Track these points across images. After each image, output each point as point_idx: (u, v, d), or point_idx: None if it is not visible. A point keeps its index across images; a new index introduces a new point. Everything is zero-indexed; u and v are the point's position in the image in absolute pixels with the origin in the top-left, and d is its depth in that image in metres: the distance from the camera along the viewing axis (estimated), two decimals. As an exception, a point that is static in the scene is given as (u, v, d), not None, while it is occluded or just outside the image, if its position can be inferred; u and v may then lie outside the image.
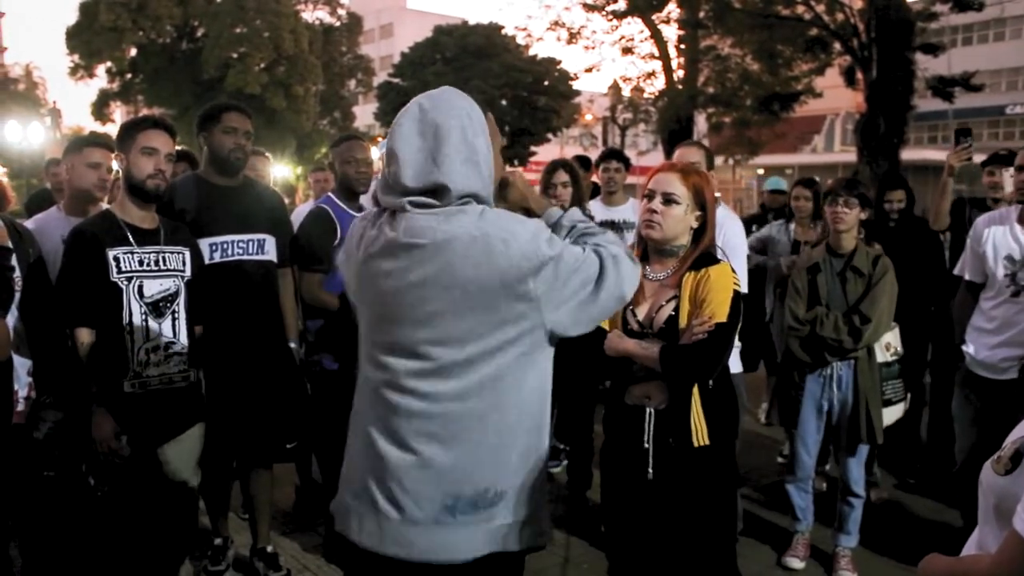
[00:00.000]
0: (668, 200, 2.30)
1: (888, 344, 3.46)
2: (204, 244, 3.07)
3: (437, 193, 1.60)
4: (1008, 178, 3.76)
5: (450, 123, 1.60)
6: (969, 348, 3.36)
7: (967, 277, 3.43)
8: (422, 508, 1.60)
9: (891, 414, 3.46)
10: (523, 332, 1.59)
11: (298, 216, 3.80)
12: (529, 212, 1.78)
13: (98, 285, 2.60)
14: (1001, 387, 3.21)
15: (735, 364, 3.20)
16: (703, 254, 2.34)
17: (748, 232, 4.59)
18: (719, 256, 2.39)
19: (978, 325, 3.35)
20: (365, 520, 1.65)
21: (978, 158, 4.51)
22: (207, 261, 3.06)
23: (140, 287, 2.66)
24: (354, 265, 1.73)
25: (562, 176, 3.92)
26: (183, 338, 2.76)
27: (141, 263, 2.68)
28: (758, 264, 4.85)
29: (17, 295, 2.64)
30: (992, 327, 3.27)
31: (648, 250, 2.42)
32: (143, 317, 2.66)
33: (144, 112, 32.08)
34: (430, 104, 1.63)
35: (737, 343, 3.10)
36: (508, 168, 1.81)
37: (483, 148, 1.64)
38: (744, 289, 2.55)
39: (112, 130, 35.49)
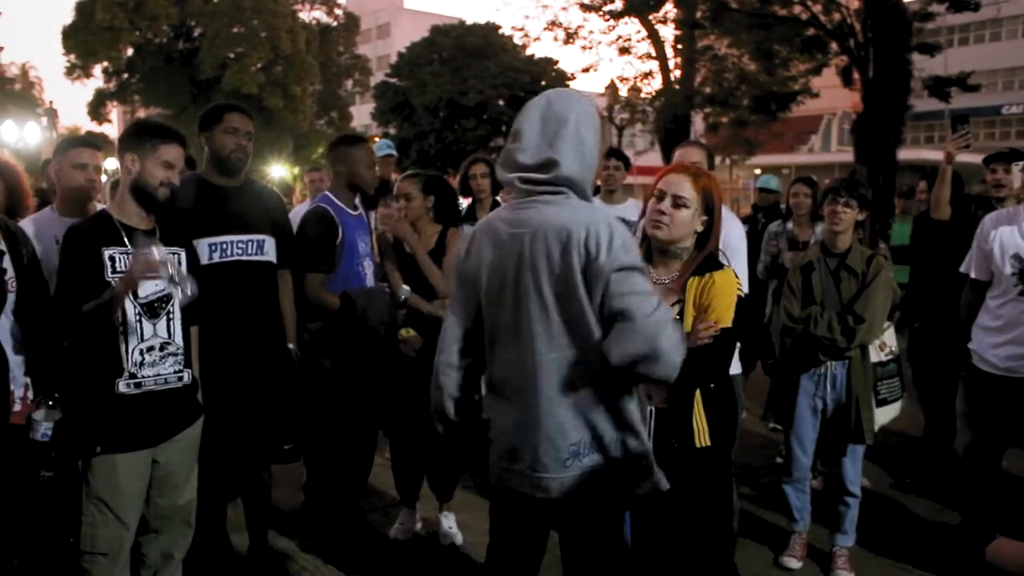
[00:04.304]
0: (678, 203, 2.31)
1: (883, 344, 3.46)
2: (203, 244, 3.07)
3: (546, 167, 1.94)
4: (1017, 173, 3.76)
5: (568, 115, 1.96)
6: (974, 346, 3.36)
7: (973, 275, 3.44)
8: (556, 457, 1.92)
9: (886, 414, 3.47)
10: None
11: (295, 216, 3.79)
12: None
13: (93, 285, 2.59)
14: (1008, 384, 3.21)
15: (734, 366, 3.20)
16: (707, 258, 2.34)
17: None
18: (720, 258, 2.40)
19: (983, 323, 3.35)
20: (513, 474, 2.00)
21: (973, 157, 4.52)
22: (206, 261, 3.05)
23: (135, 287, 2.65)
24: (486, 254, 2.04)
25: None
26: (178, 338, 2.74)
27: (137, 263, 2.66)
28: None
29: (11, 296, 2.63)
30: (997, 325, 3.28)
31: (652, 250, 2.42)
32: (137, 317, 2.65)
33: (141, 113, 32.07)
34: (556, 97, 2.00)
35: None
36: None
37: (590, 141, 1.97)
38: (745, 290, 2.56)
39: (109, 130, 35.43)
